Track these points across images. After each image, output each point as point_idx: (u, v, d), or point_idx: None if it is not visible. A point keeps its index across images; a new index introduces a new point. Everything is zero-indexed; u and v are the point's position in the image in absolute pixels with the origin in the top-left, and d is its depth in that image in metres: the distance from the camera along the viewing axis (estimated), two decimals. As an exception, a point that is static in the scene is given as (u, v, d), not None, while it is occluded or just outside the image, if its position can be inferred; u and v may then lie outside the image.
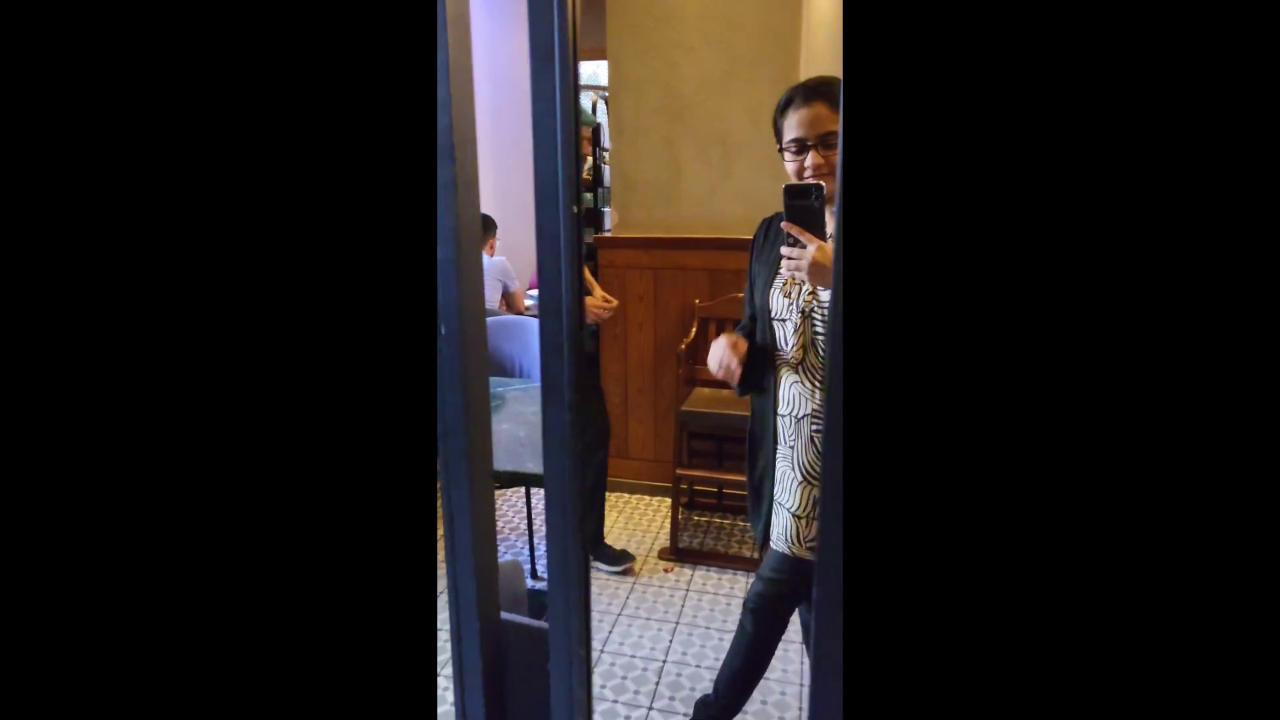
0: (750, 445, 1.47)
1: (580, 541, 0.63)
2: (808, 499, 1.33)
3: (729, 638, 1.58)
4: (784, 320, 1.33)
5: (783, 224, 1.18)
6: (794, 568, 1.40)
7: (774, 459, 1.39)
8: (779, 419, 1.37)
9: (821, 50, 2.74)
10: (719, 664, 1.65)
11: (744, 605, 1.52)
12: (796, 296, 1.31)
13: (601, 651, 2.13)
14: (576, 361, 0.59)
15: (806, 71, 2.65)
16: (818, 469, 1.31)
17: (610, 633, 2.22)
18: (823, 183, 1.18)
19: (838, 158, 1.23)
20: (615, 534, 2.80)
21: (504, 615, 0.73)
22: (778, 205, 1.23)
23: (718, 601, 2.37)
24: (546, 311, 0.58)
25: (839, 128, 1.24)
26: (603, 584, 2.47)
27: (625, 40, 2.83)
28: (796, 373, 1.33)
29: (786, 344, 1.33)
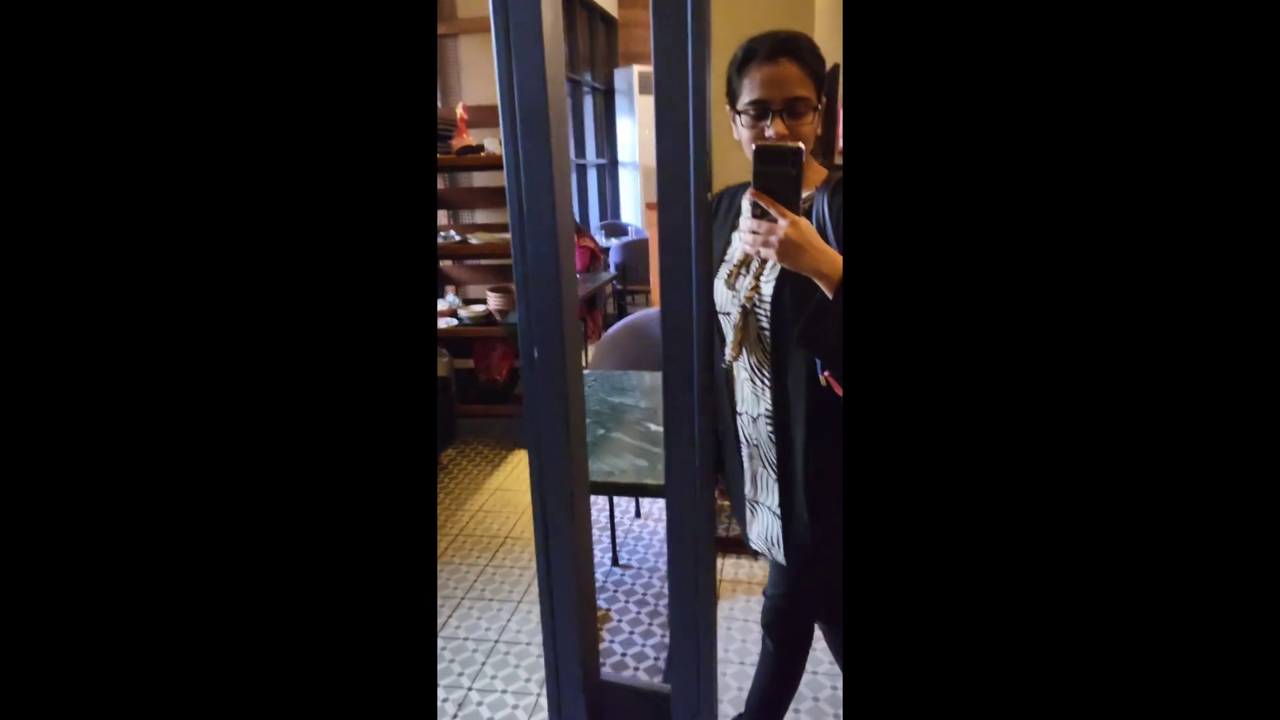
0: (720, 445, 1.32)
1: (711, 599, 0.52)
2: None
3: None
4: (727, 314, 1.16)
5: (750, 192, 0.96)
6: (793, 581, 1.28)
7: (743, 458, 1.25)
8: (738, 417, 1.22)
9: (836, 19, 2.62)
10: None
11: (761, 623, 1.42)
12: (741, 289, 1.13)
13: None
14: (707, 389, 0.48)
15: (820, 39, 2.53)
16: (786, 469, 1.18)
17: (648, 637, 2.13)
18: (802, 145, 0.96)
19: (807, 128, 1.03)
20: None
21: (607, 676, 0.63)
22: None
23: (752, 590, 2.28)
24: (671, 329, 0.47)
25: (810, 93, 1.04)
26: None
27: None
28: (745, 370, 1.17)
29: (728, 340, 1.16)
